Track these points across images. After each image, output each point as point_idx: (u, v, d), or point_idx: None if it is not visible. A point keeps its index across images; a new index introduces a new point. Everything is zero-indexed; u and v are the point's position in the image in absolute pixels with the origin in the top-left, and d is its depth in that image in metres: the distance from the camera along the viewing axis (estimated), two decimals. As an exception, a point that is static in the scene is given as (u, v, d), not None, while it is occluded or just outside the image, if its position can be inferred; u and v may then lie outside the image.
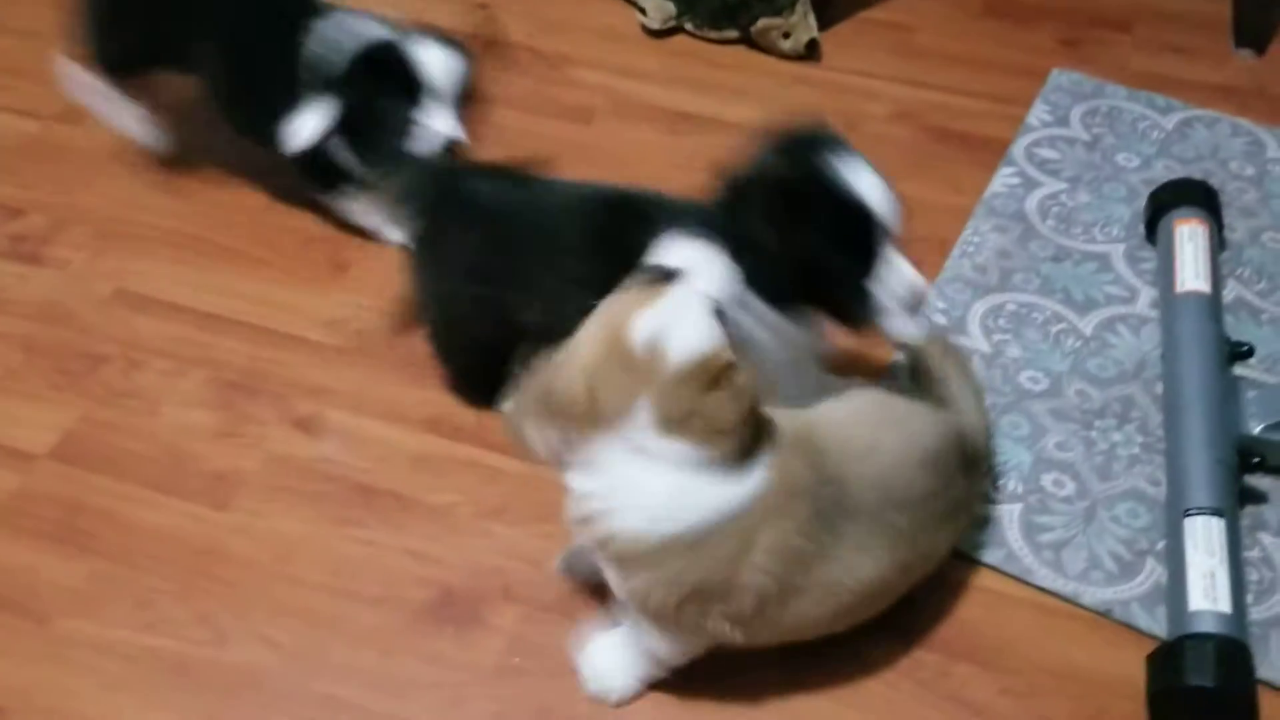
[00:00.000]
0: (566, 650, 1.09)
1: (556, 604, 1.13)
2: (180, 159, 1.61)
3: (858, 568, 1.00)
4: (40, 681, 1.07)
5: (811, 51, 1.79)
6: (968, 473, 1.11)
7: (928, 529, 1.06)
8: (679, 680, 1.05)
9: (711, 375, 0.89)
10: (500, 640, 1.10)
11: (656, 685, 1.06)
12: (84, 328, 1.38)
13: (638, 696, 1.06)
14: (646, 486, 0.91)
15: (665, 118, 1.71)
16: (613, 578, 0.97)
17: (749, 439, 0.93)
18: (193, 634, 1.10)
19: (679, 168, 1.61)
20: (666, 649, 1.02)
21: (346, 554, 1.17)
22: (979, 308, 1.41)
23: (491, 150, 1.62)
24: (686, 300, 0.92)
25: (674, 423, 0.89)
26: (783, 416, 0.99)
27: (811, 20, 1.78)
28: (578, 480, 0.94)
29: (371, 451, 1.26)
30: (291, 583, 1.14)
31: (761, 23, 1.78)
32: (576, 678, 1.08)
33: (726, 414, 0.90)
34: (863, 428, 1.06)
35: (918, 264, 1.43)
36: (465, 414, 1.30)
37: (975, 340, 1.37)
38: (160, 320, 1.39)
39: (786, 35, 1.78)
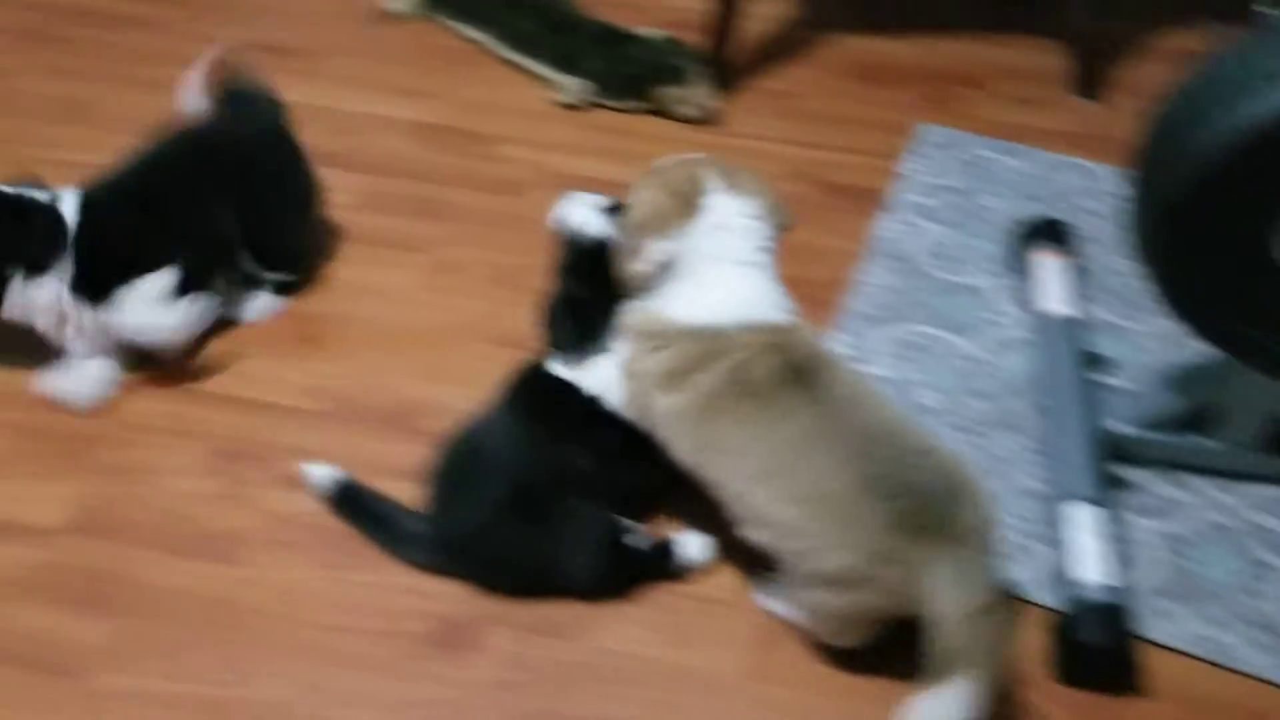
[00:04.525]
0: (557, 662, 1.25)
1: (542, 624, 1.29)
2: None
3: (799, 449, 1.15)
4: (86, 733, 1.18)
5: (712, 118, 2.01)
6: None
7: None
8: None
9: None
10: (496, 658, 1.26)
11: None
12: (77, 412, 1.49)
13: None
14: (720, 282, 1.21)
15: (586, 185, 1.88)
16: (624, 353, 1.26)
17: None
18: (220, 678, 1.22)
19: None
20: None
21: (348, 595, 1.31)
22: (879, 339, 1.62)
23: (439, 225, 1.80)
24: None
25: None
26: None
27: (710, 89, 1.99)
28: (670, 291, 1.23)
29: (358, 502, 1.40)
30: (301, 624, 1.28)
31: (665, 92, 1.99)
32: (569, 684, 1.24)
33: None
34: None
35: (823, 304, 1.65)
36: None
37: (877, 367, 1.58)
38: (150, 398, 1.51)
39: (688, 103, 1.99)
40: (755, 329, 1.19)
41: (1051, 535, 1.36)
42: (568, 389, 1.31)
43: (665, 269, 1.23)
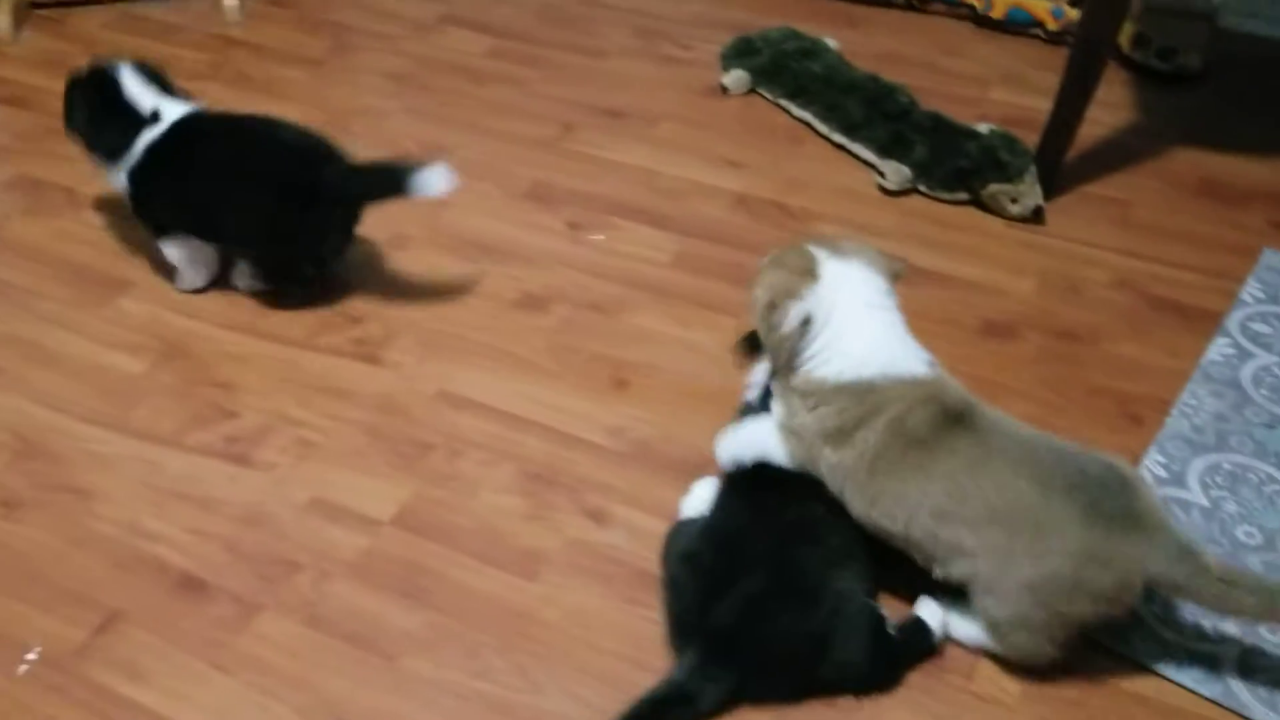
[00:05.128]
0: (826, 731, 1.26)
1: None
2: (476, 277, 1.90)
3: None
4: (390, 710, 1.28)
5: (1037, 218, 1.98)
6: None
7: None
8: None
9: None
10: (769, 714, 1.28)
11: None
12: (414, 420, 1.64)
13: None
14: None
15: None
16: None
17: None
18: (513, 683, 1.31)
19: (913, 316, 1.81)
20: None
21: (636, 628, 1.36)
22: (1198, 465, 1.54)
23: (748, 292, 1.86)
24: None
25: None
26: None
27: (1038, 189, 1.97)
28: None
29: (651, 543, 1.45)
30: (592, 648, 1.34)
31: (992, 188, 1.98)
32: (836, 755, 1.24)
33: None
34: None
35: (1138, 420, 1.59)
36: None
37: (1194, 494, 1.50)
38: (475, 418, 1.64)
39: (1015, 200, 1.97)
40: (904, 382, 1.27)
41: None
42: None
43: (806, 327, 1.30)
